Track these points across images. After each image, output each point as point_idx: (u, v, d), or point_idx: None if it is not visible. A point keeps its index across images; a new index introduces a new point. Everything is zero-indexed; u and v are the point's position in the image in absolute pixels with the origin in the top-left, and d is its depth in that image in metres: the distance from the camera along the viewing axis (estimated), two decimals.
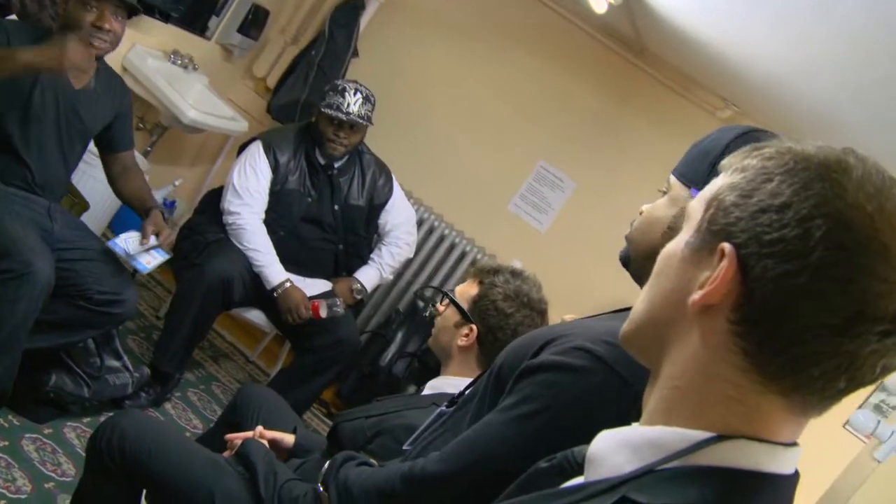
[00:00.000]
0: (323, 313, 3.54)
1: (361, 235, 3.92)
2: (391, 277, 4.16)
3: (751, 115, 4.29)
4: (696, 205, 0.87)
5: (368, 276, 3.90)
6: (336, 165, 3.76)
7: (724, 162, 0.89)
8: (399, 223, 3.98)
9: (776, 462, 0.79)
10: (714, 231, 0.82)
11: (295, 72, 4.72)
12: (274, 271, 3.55)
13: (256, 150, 3.66)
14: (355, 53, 4.76)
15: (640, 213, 1.50)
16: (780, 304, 0.76)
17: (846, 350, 0.75)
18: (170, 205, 4.75)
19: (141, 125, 4.40)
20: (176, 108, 3.95)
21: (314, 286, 3.75)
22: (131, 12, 2.92)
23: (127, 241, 2.97)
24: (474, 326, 2.33)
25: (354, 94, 3.61)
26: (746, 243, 0.78)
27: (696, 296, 0.80)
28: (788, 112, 3.68)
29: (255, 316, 3.77)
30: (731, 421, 0.79)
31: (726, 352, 0.79)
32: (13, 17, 3.12)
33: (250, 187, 3.60)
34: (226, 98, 4.67)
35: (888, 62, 2.22)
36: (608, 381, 1.28)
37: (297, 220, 3.71)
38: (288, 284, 3.55)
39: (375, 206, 3.90)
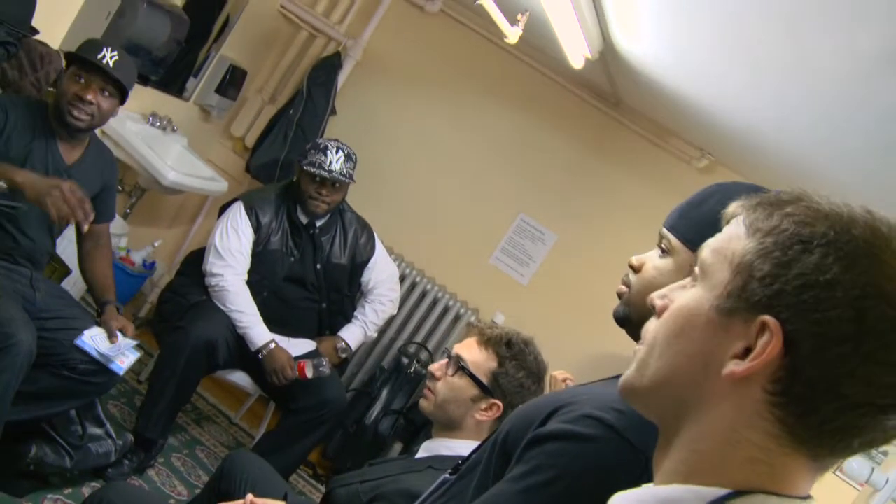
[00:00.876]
0: (309, 374, 3.51)
1: (344, 294, 3.90)
2: (375, 335, 4.13)
3: (728, 164, 4.35)
4: (715, 262, 0.85)
5: (353, 335, 3.88)
6: (318, 224, 3.75)
7: (733, 210, 0.88)
8: (382, 280, 3.97)
9: None
10: (752, 302, 0.79)
11: (273, 131, 4.73)
12: (258, 332, 3.52)
13: (238, 210, 3.64)
14: (333, 111, 4.79)
15: (632, 268, 1.49)
16: (829, 385, 0.75)
17: (888, 426, 0.76)
18: (149, 266, 4.71)
19: (120, 187, 4.37)
20: (155, 171, 3.94)
21: (299, 346, 3.72)
22: (123, 96, 2.93)
23: (95, 339, 2.90)
24: (499, 403, 2.26)
25: (336, 151, 3.62)
26: (791, 319, 0.76)
27: (738, 368, 0.78)
28: (766, 161, 3.73)
29: (239, 378, 3.72)
30: (753, 479, 0.78)
31: (759, 419, 0.78)
32: None
33: (232, 248, 3.58)
34: (205, 158, 4.67)
35: (866, 115, 2.26)
36: (619, 449, 1.27)
37: (280, 280, 3.69)
38: (273, 345, 3.51)
39: (358, 265, 3.89)
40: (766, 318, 0.77)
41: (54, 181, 2.60)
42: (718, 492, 0.77)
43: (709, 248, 0.87)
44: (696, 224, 1.41)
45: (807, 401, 0.76)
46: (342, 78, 4.81)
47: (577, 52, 3.29)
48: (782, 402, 0.77)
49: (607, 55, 3.50)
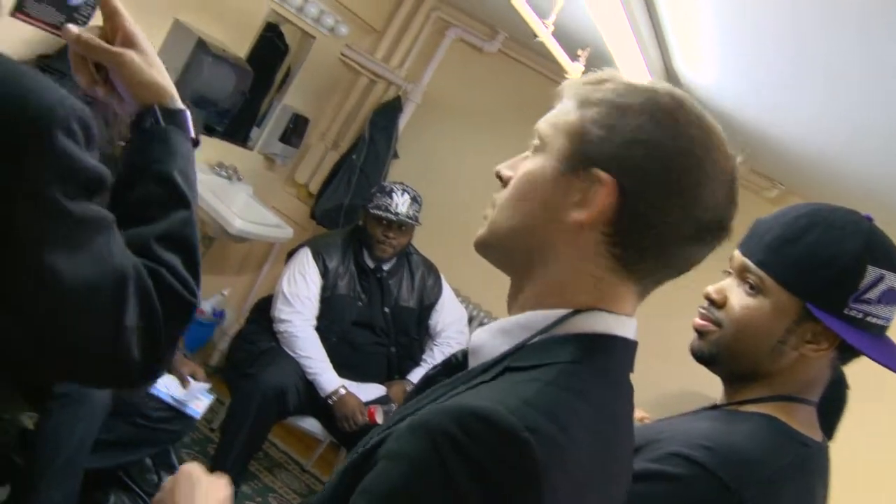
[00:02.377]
0: (379, 419, 3.48)
1: (413, 337, 3.88)
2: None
3: (800, 192, 4.24)
4: (552, 133, 0.99)
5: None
6: (385, 268, 3.75)
7: (561, 89, 1.05)
8: (450, 322, 3.94)
9: (624, 328, 0.96)
10: (586, 160, 0.94)
11: (337, 176, 4.77)
12: (328, 378, 3.51)
13: (305, 256, 3.66)
14: (395, 155, 4.81)
15: (712, 301, 1.43)
16: (650, 223, 0.92)
17: (690, 251, 0.96)
18: (218, 314, 4.75)
19: None
20: (223, 219, 3.99)
21: (368, 391, 3.70)
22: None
23: (168, 386, 2.96)
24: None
25: (402, 194, 3.63)
26: (619, 172, 0.92)
27: (580, 215, 0.94)
28: (839, 186, 3.63)
29: (310, 424, 3.71)
30: (589, 300, 0.95)
31: (597, 257, 0.95)
32: None
33: (300, 294, 3.59)
34: (270, 206, 4.72)
35: None
36: (709, 488, 1.21)
37: (348, 325, 3.69)
38: (343, 391, 3.50)
39: (426, 307, 3.87)
40: (598, 171, 0.93)
41: None
42: (563, 311, 0.94)
43: (546, 122, 1.02)
44: (794, 264, 1.32)
45: (634, 237, 0.93)
46: (403, 121, 4.84)
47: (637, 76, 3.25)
48: (616, 241, 0.94)
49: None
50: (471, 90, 4.90)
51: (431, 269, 3.94)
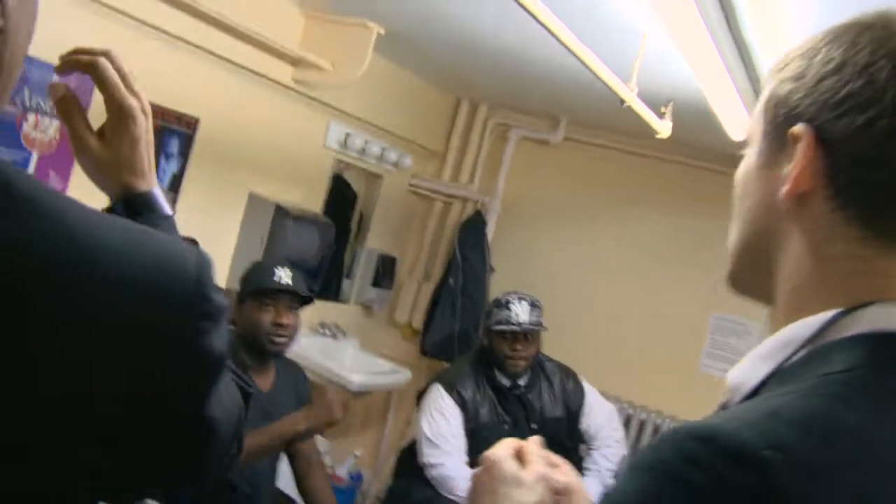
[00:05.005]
0: None
1: (568, 447, 3.62)
2: (613, 481, 3.80)
3: None
4: (753, 123, 0.86)
5: (593, 488, 3.57)
6: (521, 383, 3.55)
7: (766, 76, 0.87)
8: (602, 423, 3.68)
9: None
10: (780, 123, 0.79)
11: (439, 306, 4.63)
12: None
13: (438, 393, 3.48)
14: (491, 269, 4.67)
15: None
16: (871, 154, 0.73)
17: None
18: (356, 478, 4.56)
19: None
20: (341, 379, 3.87)
21: None
22: (303, 302, 2.88)
23: None
24: None
25: (519, 302, 3.46)
26: (816, 115, 0.76)
27: (786, 188, 0.77)
28: None
29: None
30: (860, 294, 0.73)
31: (837, 228, 0.75)
32: None
33: (444, 433, 3.39)
34: (379, 354, 4.58)
35: None
36: None
37: None
38: None
39: (573, 413, 3.63)
40: (792, 129, 0.77)
41: (326, 405, 2.63)
42: (826, 315, 0.73)
43: (752, 120, 0.88)
44: None
45: (862, 182, 0.74)
46: (489, 233, 4.71)
47: (737, 121, 3.08)
48: (845, 199, 0.75)
49: None
50: (548, 184, 4.80)
51: (568, 373, 3.71)
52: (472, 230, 4.65)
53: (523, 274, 4.70)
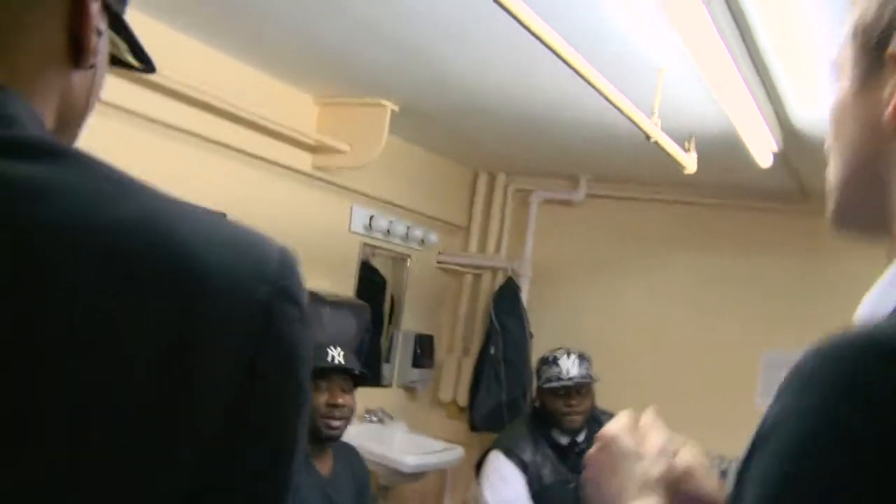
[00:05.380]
0: None
1: None
2: None
3: None
4: (841, 53, 0.79)
5: None
6: (580, 439, 3.46)
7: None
8: None
9: None
10: (873, 47, 0.73)
11: (483, 379, 4.57)
12: None
13: (497, 460, 3.40)
14: (530, 335, 4.62)
15: None
16: None
17: None
18: None
19: None
20: (394, 462, 3.81)
21: None
22: (357, 382, 2.84)
23: None
24: None
25: (568, 357, 3.41)
26: None
27: (890, 108, 0.69)
28: None
29: None
30: None
31: None
32: None
33: (508, 499, 3.31)
34: (428, 434, 4.49)
35: None
36: None
37: None
38: None
39: None
40: (890, 49, 0.71)
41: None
42: None
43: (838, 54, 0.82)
44: None
45: None
46: (524, 298, 4.68)
47: (763, 146, 3.07)
48: None
49: (787, 141, 3.27)
50: (576, 242, 4.80)
51: None
52: (507, 297, 4.62)
53: (563, 334, 4.63)
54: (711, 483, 1.00)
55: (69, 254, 0.55)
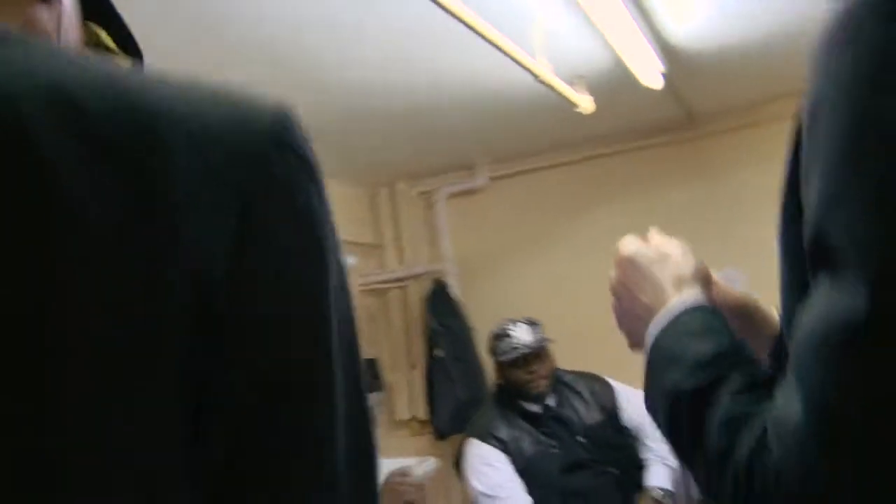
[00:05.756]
0: None
1: (622, 446, 3.48)
2: (677, 463, 3.66)
3: None
4: None
5: (659, 476, 3.41)
6: (551, 403, 3.42)
7: None
8: (642, 412, 3.55)
9: None
10: None
11: (436, 385, 4.50)
12: None
13: (475, 447, 3.33)
14: (471, 328, 4.58)
15: None
16: None
17: None
18: None
19: None
20: None
21: None
22: None
23: None
24: None
25: (517, 326, 3.38)
26: None
27: None
28: None
29: None
30: None
31: None
32: None
33: (499, 482, 3.23)
34: (394, 456, 4.38)
35: None
36: None
37: (558, 478, 3.30)
38: None
39: (611, 412, 3.51)
40: None
41: None
42: None
43: None
44: None
45: None
46: (458, 296, 4.64)
47: (650, 70, 3.12)
48: None
49: (670, 63, 3.33)
50: (492, 227, 4.81)
51: (591, 377, 3.61)
52: (439, 299, 4.57)
53: (505, 315, 4.62)
54: (733, 290, 1.01)
55: (34, 117, 0.48)
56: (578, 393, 3.51)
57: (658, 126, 4.34)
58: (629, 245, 0.95)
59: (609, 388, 3.57)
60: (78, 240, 0.47)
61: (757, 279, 4.21)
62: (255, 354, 0.53)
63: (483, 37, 2.38)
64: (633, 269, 0.92)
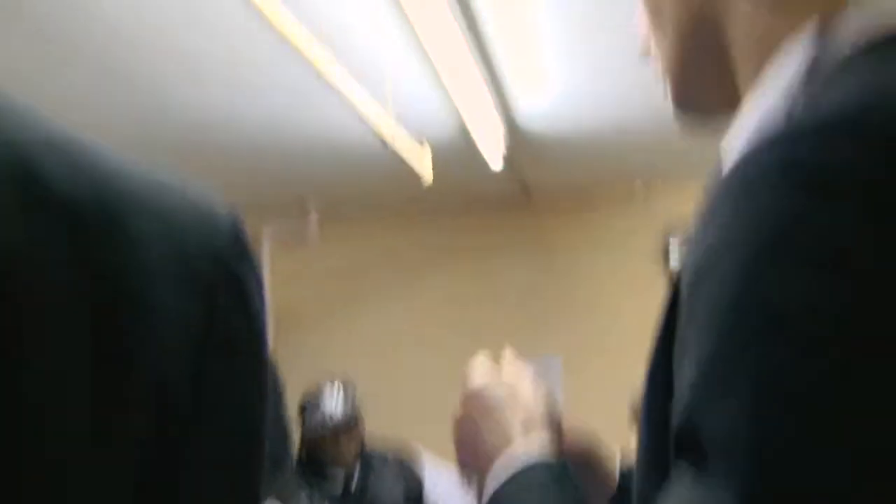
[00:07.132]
0: None
1: None
2: None
3: (671, 182, 4.13)
4: None
5: None
6: (356, 476, 3.25)
7: None
8: (446, 486, 3.43)
9: None
10: None
11: None
12: None
13: None
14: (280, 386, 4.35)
15: None
16: None
17: None
18: None
19: None
20: None
21: None
22: None
23: None
24: None
25: (330, 394, 3.21)
26: None
27: None
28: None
29: None
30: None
31: None
32: None
33: None
34: None
35: None
36: None
37: None
38: None
39: (414, 490, 3.39)
40: None
41: None
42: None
43: None
44: None
45: None
46: (271, 347, 4.40)
47: (493, 145, 3.06)
48: None
49: (512, 139, 3.29)
50: (319, 279, 4.69)
51: (400, 454, 3.47)
52: None
53: (322, 373, 4.45)
54: (580, 435, 1.04)
55: None
56: (384, 473, 3.36)
57: (496, 199, 4.37)
58: (479, 376, 0.92)
59: (418, 469, 3.45)
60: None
61: (570, 367, 4.30)
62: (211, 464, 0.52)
63: (334, 89, 2.23)
64: (481, 405, 0.90)
